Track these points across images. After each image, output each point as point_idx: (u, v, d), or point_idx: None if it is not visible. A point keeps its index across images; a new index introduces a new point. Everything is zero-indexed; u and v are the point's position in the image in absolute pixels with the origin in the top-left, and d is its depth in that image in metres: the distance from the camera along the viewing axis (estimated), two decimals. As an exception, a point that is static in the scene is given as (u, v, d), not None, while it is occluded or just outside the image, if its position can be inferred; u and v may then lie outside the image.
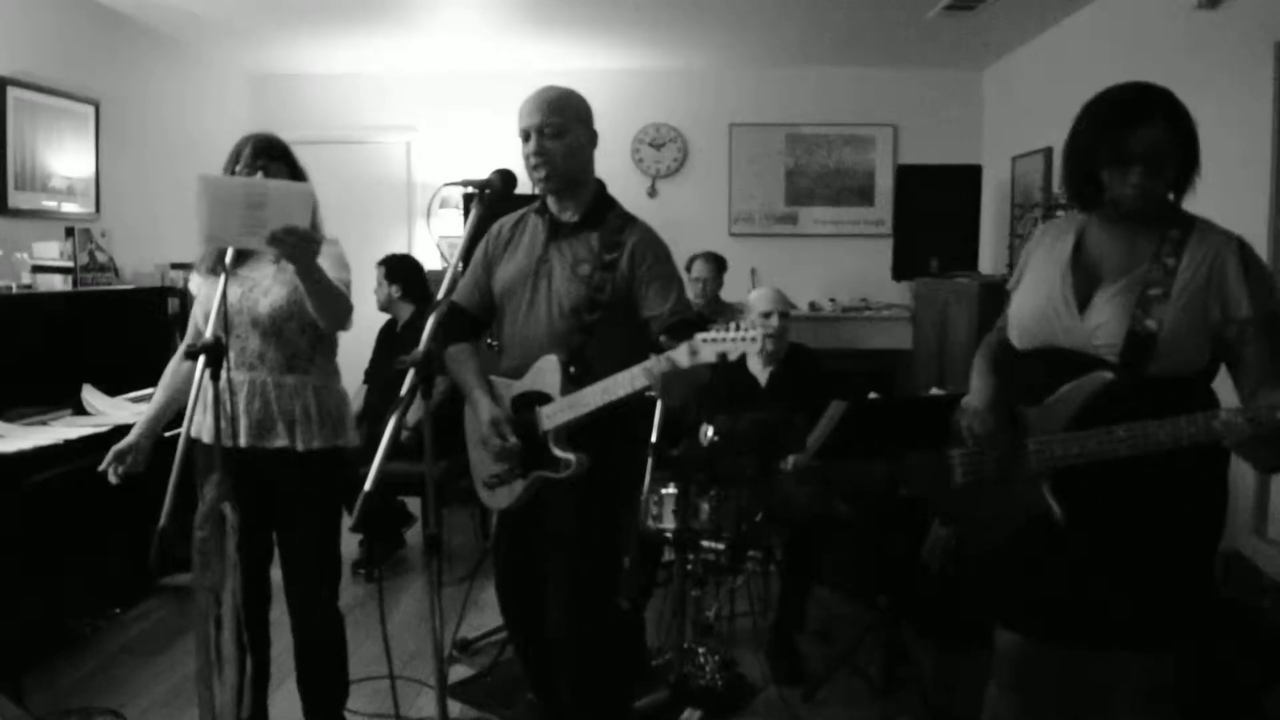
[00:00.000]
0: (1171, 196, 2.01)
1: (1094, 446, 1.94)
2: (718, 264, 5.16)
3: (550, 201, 2.55)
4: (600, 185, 2.57)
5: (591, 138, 2.53)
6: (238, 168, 2.62)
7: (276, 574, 2.76)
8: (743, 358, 2.08)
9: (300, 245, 2.31)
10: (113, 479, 2.63)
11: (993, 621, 2.26)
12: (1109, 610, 2.00)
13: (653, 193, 6.74)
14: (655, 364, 2.14)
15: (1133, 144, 1.91)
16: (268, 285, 2.62)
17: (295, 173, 2.68)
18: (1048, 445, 2.02)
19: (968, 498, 2.23)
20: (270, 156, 2.63)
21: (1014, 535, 2.12)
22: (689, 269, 5.13)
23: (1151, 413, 1.86)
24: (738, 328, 2.04)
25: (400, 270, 4.90)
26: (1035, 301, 2.12)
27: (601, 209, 2.53)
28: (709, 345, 2.06)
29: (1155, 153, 1.91)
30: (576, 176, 2.49)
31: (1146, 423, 1.86)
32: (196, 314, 2.78)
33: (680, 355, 2.10)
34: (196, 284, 2.76)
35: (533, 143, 2.43)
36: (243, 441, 2.57)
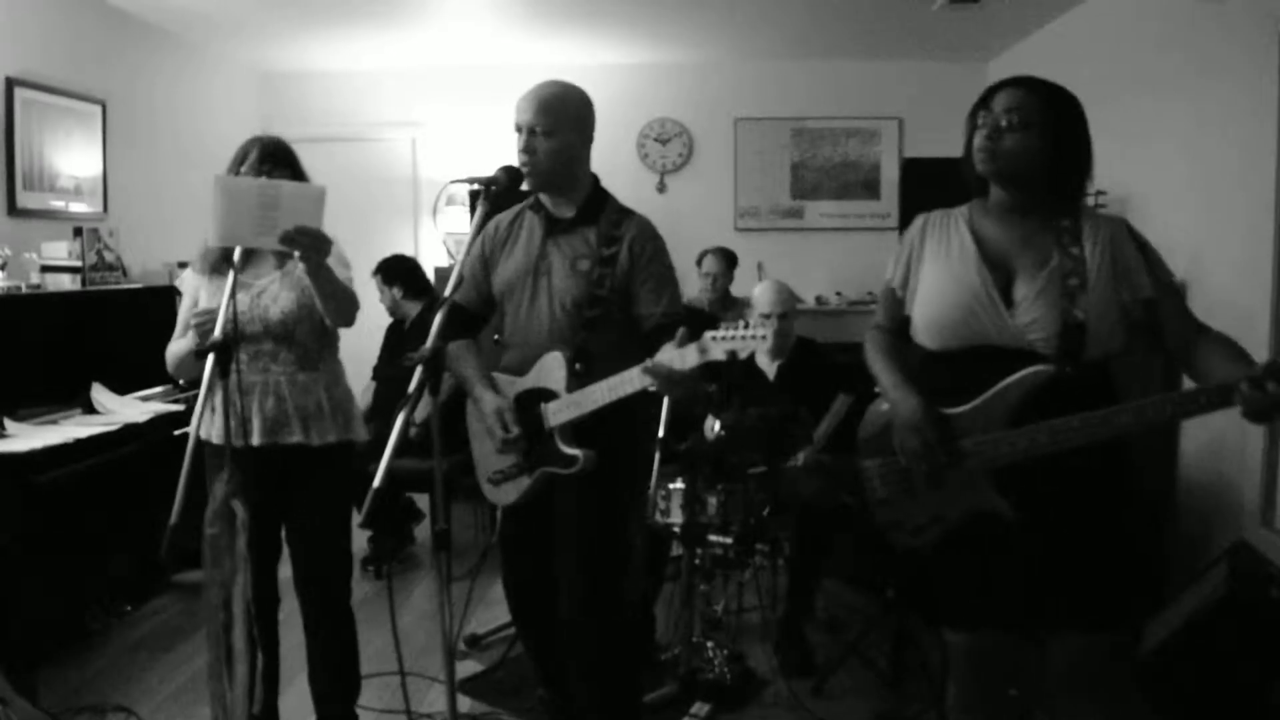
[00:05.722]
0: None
1: (1044, 439, 1.95)
2: (728, 259, 5.15)
3: (544, 198, 2.55)
4: (595, 180, 2.57)
5: (585, 139, 2.50)
6: (243, 169, 2.61)
7: (283, 573, 2.78)
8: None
9: (314, 245, 2.33)
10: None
11: (937, 622, 2.28)
12: (1046, 596, 2.04)
13: (662, 188, 6.72)
14: (662, 363, 2.14)
15: (994, 104, 2.03)
16: (276, 291, 2.62)
17: (299, 179, 2.66)
18: (988, 445, 2.02)
19: (891, 504, 2.23)
20: (276, 162, 2.62)
21: (947, 535, 2.14)
22: (699, 264, 5.12)
23: (1087, 399, 1.93)
24: (746, 326, 2.05)
25: (396, 272, 4.90)
26: (955, 301, 2.07)
27: (597, 204, 2.53)
28: (718, 344, 2.06)
29: (1012, 107, 1.99)
30: (563, 176, 2.48)
31: (1108, 410, 1.90)
32: (185, 312, 2.74)
33: (689, 354, 2.10)
34: (193, 283, 2.71)
35: (522, 140, 2.44)
36: (256, 441, 2.59)
